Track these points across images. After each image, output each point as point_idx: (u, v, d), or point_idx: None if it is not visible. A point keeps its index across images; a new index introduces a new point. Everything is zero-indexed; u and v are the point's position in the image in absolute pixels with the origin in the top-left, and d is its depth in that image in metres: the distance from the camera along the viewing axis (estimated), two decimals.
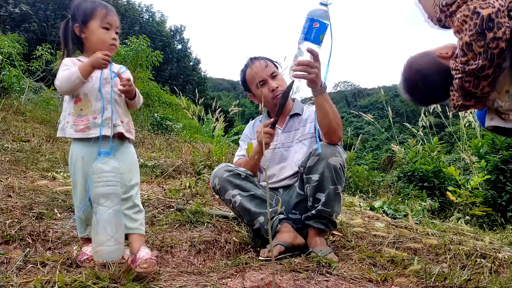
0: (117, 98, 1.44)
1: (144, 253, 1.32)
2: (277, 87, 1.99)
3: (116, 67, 1.46)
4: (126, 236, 1.36)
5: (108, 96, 1.41)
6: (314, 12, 1.56)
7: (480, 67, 1.06)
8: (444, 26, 1.23)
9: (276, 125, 2.13)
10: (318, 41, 1.57)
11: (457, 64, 1.12)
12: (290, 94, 1.99)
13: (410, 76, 1.36)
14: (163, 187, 3.00)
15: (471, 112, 4.36)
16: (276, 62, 2.11)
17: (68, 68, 1.34)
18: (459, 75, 1.12)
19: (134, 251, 1.35)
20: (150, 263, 1.29)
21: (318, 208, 1.77)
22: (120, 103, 1.45)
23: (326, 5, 1.56)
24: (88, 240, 1.46)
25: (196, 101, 8.48)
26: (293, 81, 1.78)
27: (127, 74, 1.46)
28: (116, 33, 1.44)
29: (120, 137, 1.43)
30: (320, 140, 1.88)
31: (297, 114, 2.10)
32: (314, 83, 1.68)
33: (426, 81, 1.31)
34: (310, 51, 1.58)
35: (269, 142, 1.90)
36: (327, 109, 1.74)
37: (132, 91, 1.44)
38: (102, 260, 1.36)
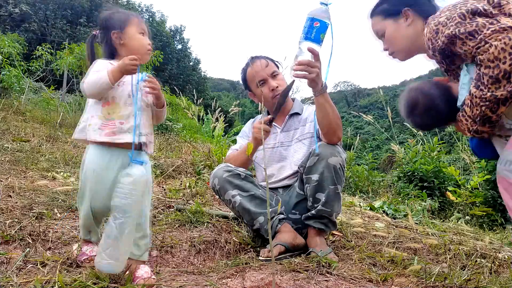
0: (144, 107, 1.41)
1: (143, 271, 1.31)
2: (277, 87, 1.99)
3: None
4: None
5: (139, 104, 1.39)
6: (314, 12, 1.56)
7: (510, 95, 1.06)
8: (446, 57, 1.23)
9: (276, 124, 2.13)
10: (318, 40, 1.57)
11: (483, 92, 1.10)
12: (289, 94, 1.99)
13: (413, 96, 1.34)
14: (163, 187, 3.01)
15: None
16: (277, 61, 2.11)
17: (98, 72, 1.32)
18: (485, 103, 1.10)
19: (132, 270, 1.32)
20: (150, 282, 1.28)
21: (318, 208, 1.77)
22: (145, 113, 1.42)
23: (326, 4, 1.56)
24: (89, 241, 1.46)
25: (195, 101, 8.48)
26: (293, 81, 1.78)
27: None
28: (149, 38, 1.46)
29: (139, 149, 1.39)
30: (320, 140, 1.88)
31: (297, 114, 2.10)
32: (315, 83, 1.68)
33: (430, 100, 1.30)
34: (310, 50, 1.58)
35: (264, 138, 1.89)
36: (328, 109, 1.74)
37: (161, 97, 1.43)
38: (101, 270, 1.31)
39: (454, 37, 1.15)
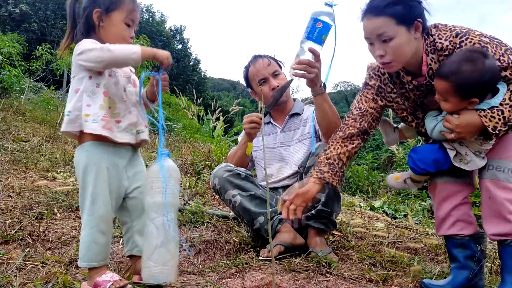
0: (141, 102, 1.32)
1: (109, 277, 1.18)
2: (277, 86, 1.99)
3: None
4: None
5: (134, 98, 1.30)
6: (318, 12, 1.55)
7: None
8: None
9: (276, 124, 2.13)
10: (320, 41, 1.57)
11: None
12: (286, 90, 1.98)
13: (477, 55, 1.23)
14: None
15: None
16: (280, 61, 2.11)
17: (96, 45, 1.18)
18: None
19: (138, 271, 1.24)
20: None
21: (317, 208, 1.77)
22: (141, 108, 1.32)
23: (331, 6, 1.55)
24: (98, 268, 1.20)
25: (195, 101, 8.48)
26: (291, 79, 1.78)
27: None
28: (134, 31, 1.34)
29: (137, 145, 1.32)
30: (320, 140, 1.88)
31: (297, 114, 2.10)
32: (313, 83, 1.68)
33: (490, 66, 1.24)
34: (311, 50, 1.58)
35: (256, 132, 1.88)
36: (326, 110, 1.74)
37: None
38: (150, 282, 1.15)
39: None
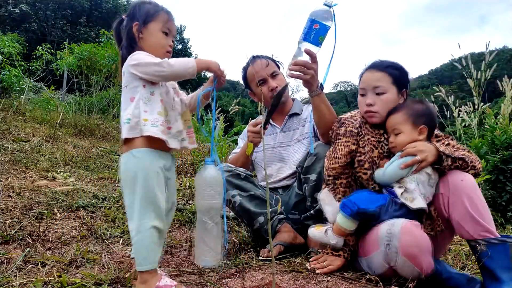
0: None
1: (169, 281, 1.19)
2: (276, 87, 1.99)
3: None
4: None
5: (179, 107, 1.36)
6: (315, 13, 1.54)
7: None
8: None
9: (275, 125, 2.13)
10: (317, 42, 1.56)
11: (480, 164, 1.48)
12: (284, 94, 1.98)
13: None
14: None
15: (466, 112, 4.37)
16: (278, 61, 2.11)
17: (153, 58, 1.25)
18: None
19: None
20: None
21: (316, 208, 1.77)
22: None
23: (330, 6, 1.54)
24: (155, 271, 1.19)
25: None
26: (287, 83, 1.78)
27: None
28: (172, 41, 1.40)
29: (181, 149, 1.37)
30: (318, 140, 1.88)
31: (296, 114, 2.10)
32: (310, 84, 1.68)
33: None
34: (307, 52, 1.57)
35: (257, 142, 1.88)
36: (324, 110, 1.74)
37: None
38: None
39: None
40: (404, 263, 1.29)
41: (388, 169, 1.47)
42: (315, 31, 1.54)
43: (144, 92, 1.23)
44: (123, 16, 1.37)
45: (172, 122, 1.30)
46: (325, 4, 1.54)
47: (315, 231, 1.54)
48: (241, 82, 2.22)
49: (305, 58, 1.60)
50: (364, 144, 1.58)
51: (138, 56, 1.24)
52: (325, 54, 1.65)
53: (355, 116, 1.67)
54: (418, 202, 1.39)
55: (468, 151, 1.50)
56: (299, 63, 1.60)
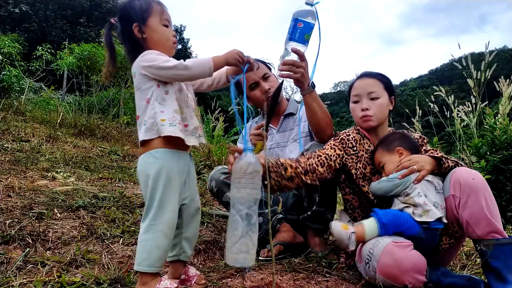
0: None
1: (168, 283, 1.18)
2: (269, 89, 1.99)
3: None
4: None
5: (193, 104, 1.31)
6: (298, 12, 1.55)
7: None
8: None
9: (271, 125, 2.13)
10: (303, 41, 1.57)
11: None
12: (279, 95, 1.98)
13: None
14: None
15: (465, 112, 4.37)
16: (268, 63, 2.10)
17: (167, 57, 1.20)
18: None
19: (177, 276, 1.28)
20: (203, 279, 1.26)
21: (313, 208, 1.76)
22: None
23: (312, 4, 1.55)
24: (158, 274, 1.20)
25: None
26: (281, 83, 1.78)
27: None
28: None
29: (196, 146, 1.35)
30: (313, 139, 1.88)
31: (291, 114, 2.10)
32: (301, 82, 1.68)
33: None
34: (294, 51, 1.58)
35: (263, 145, 1.88)
36: (316, 108, 1.74)
37: None
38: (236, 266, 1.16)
39: None
40: (384, 280, 1.29)
41: (384, 180, 1.48)
42: (300, 30, 1.54)
43: (158, 92, 1.20)
44: (112, 20, 1.29)
45: (188, 119, 1.26)
46: (307, 3, 1.55)
47: (342, 230, 1.40)
48: (241, 82, 2.21)
49: (293, 57, 1.60)
50: (357, 160, 1.61)
51: (150, 57, 1.20)
52: (313, 53, 1.66)
53: (349, 131, 1.69)
54: (434, 213, 1.36)
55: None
56: (288, 63, 1.60)
